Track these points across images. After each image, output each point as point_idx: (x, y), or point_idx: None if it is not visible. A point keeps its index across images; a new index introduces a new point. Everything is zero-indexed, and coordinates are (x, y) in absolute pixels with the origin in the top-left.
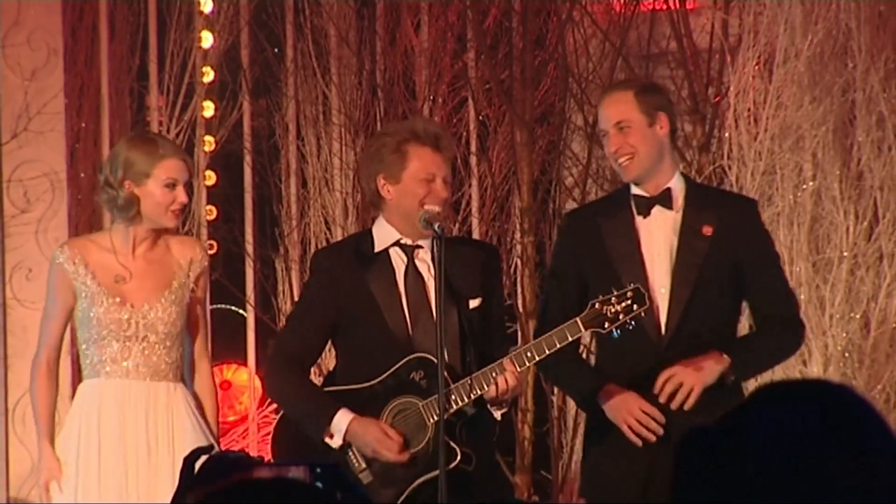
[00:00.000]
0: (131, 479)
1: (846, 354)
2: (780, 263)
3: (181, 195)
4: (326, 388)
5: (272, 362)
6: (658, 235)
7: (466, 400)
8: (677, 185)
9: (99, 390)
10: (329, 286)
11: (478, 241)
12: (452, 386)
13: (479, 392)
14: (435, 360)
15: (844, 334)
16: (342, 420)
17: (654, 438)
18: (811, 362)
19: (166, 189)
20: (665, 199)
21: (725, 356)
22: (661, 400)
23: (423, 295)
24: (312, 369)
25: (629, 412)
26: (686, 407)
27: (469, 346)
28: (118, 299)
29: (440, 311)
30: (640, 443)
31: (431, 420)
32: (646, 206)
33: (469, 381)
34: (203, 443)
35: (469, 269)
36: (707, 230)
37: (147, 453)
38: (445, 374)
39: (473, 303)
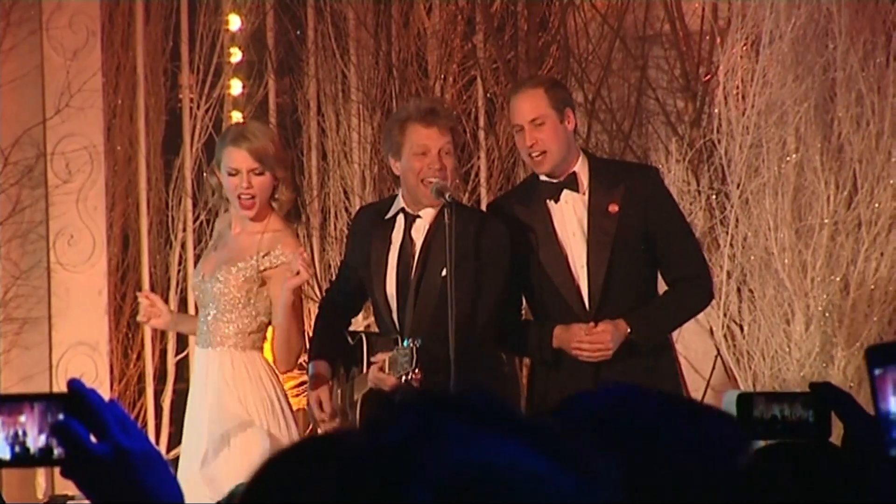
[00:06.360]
0: (204, 441)
1: (826, 315)
2: (686, 225)
3: (243, 182)
4: None
5: (319, 304)
6: (570, 217)
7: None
8: (582, 168)
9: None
10: (352, 243)
11: (491, 221)
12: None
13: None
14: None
15: (825, 296)
16: (313, 369)
17: (599, 357)
18: (794, 322)
19: (229, 177)
20: (572, 182)
21: (625, 325)
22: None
23: (408, 264)
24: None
25: (578, 339)
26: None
27: (447, 311)
28: (201, 272)
29: (450, 273)
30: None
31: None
32: (555, 191)
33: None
34: (251, 411)
35: (460, 242)
36: (613, 208)
37: (209, 417)
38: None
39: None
